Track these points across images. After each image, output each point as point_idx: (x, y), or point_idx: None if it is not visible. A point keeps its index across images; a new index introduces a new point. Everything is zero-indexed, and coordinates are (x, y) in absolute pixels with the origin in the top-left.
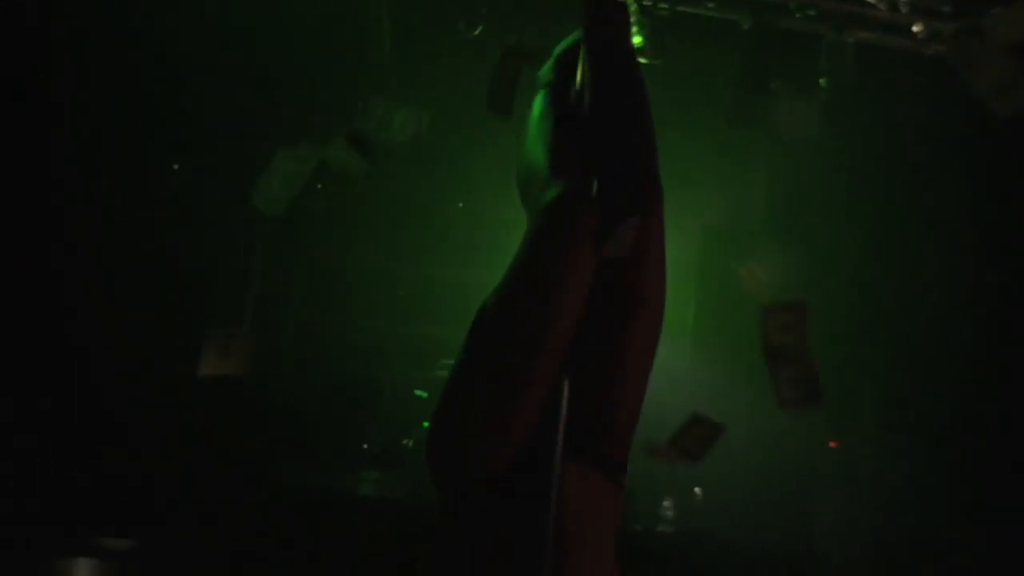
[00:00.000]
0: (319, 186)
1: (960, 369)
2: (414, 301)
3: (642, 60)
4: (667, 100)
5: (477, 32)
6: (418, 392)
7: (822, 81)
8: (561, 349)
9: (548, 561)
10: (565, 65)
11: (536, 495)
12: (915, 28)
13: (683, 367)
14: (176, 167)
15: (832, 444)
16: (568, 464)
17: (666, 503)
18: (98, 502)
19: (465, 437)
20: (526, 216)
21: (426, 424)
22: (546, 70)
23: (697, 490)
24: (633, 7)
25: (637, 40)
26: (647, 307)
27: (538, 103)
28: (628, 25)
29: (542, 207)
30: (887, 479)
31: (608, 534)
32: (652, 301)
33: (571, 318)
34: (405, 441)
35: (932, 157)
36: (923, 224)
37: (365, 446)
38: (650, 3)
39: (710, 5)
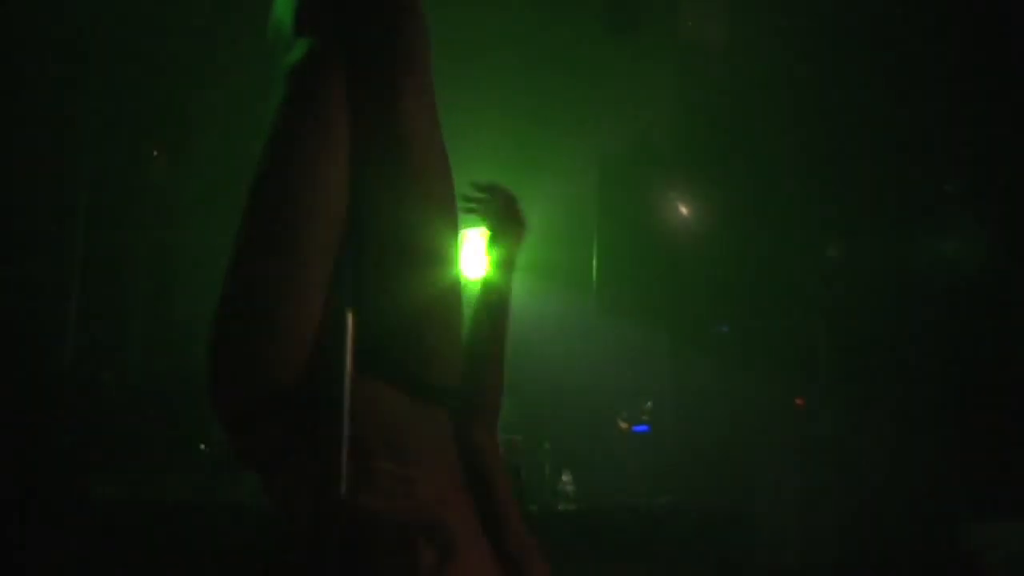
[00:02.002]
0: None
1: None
2: None
3: None
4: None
5: None
6: None
7: None
8: (328, 231)
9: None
10: None
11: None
12: None
13: (590, 320)
14: None
15: (798, 401)
16: (368, 379)
17: (565, 478)
18: None
19: (241, 345)
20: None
21: None
22: None
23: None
24: None
25: None
26: (421, 181)
27: None
28: None
29: (286, 70)
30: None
31: (440, 453)
32: (428, 171)
33: (332, 191)
34: None
35: (878, 60)
36: (868, 149)
37: (203, 447)
38: None
39: None
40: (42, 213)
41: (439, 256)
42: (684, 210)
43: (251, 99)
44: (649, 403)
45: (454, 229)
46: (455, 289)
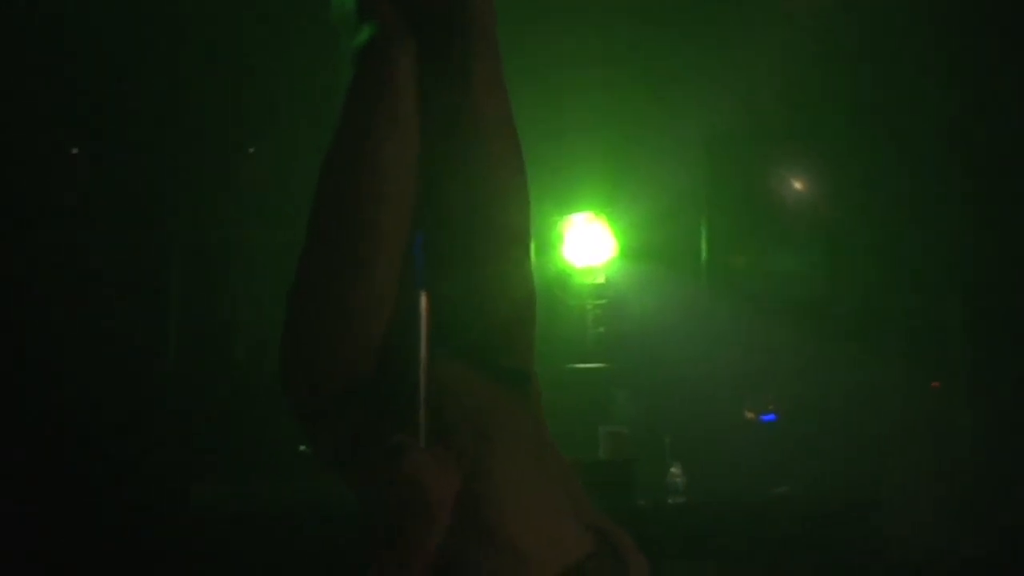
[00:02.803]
0: None
1: None
2: None
3: None
4: None
5: None
6: None
7: None
8: (399, 216)
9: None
10: None
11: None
12: None
13: (698, 303)
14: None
15: (934, 384)
16: (444, 364)
17: (674, 470)
18: None
19: (314, 334)
20: None
21: None
22: None
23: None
24: None
25: None
26: (494, 164)
27: None
28: None
29: (352, 55)
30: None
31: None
32: (505, 158)
33: (402, 176)
34: None
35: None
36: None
37: (302, 448)
38: None
39: None
40: (138, 215)
41: (513, 238)
42: (798, 186)
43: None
44: (772, 392)
45: (526, 211)
46: (530, 272)
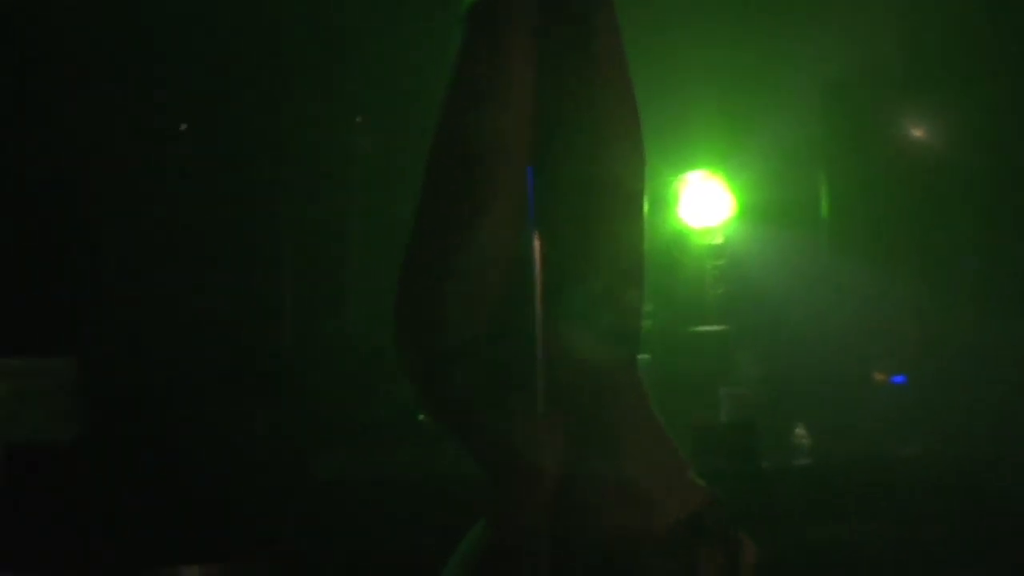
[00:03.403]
0: None
1: None
2: None
3: None
4: None
5: None
6: None
7: None
8: (513, 173)
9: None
10: None
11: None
12: None
13: (820, 261)
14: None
15: None
16: (558, 323)
17: (799, 431)
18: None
19: (429, 294)
20: None
21: None
22: None
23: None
24: None
25: None
26: (611, 122)
27: None
28: None
29: (463, 15)
30: None
31: (638, 408)
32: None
33: (516, 133)
34: None
35: None
36: None
37: (421, 417)
38: None
39: None
40: (249, 189)
41: (627, 198)
42: (921, 136)
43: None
44: (899, 352)
45: (642, 171)
46: (643, 232)
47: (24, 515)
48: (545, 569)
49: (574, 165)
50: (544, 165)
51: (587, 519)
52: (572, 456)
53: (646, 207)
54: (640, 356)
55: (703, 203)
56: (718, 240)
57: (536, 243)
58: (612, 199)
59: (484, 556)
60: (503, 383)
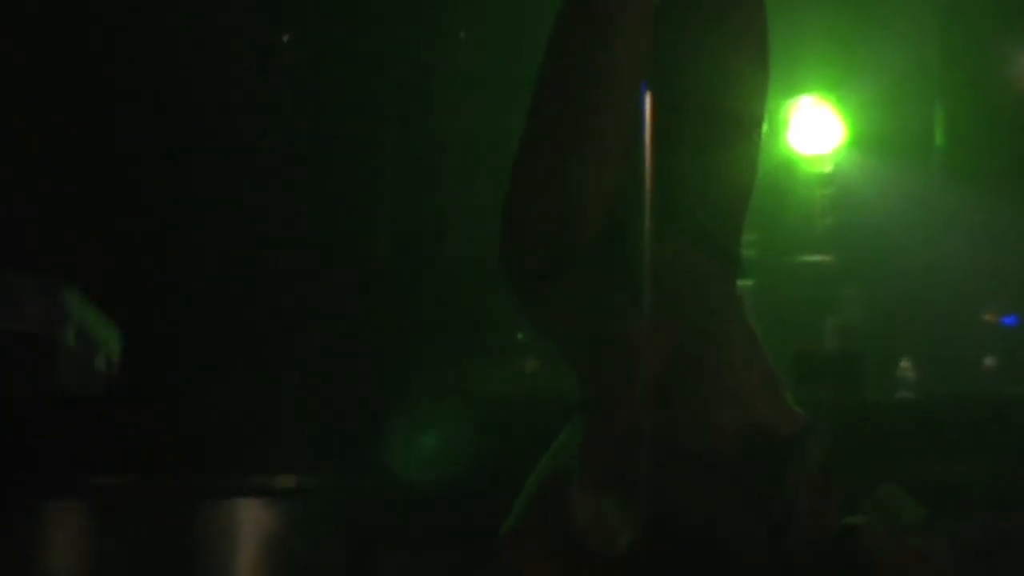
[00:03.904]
0: None
1: None
2: None
3: None
4: None
5: None
6: None
7: None
8: (627, 91)
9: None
10: None
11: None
12: None
13: (932, 193)
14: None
15: None
16: (665, 240)
17: (904, 364)
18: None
19: (539, 201)
20: None
21: None
22: None
23: None
24: None
25: None
26: (734, 41)
27: None
28: None
29: None
30: None
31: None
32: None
33: (631, 50)
34: None
35: None
36: None
37: (520, 335)
38: None
39: None
40: (349, 104)
41: (747, 124)
42: None
43: None
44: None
45: (764, 98)
46: (757, 159)
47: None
48: (644, 469)
49: (699, 90)
50: (661, 86)
51: (691, 422)
52: (679, 362)
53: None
54: (743, 283)
55: (813, 129)
56: (827, 168)
57: (647, 165)
58: (731, 124)
59: (580, 454)
60: (608, 294)
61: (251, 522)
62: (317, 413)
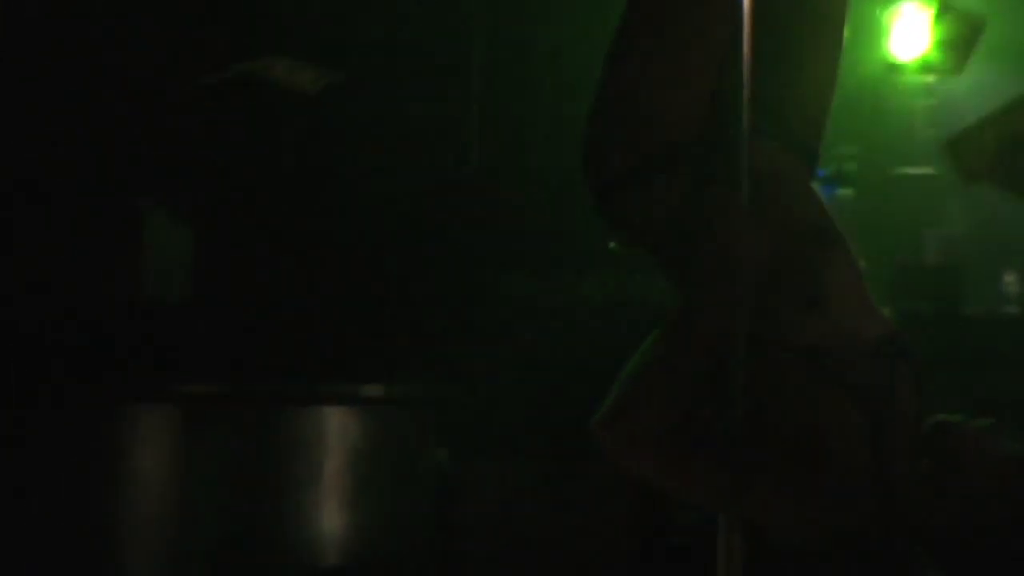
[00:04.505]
0: None
1: None
2: None
3: None
4: None
5: None
6: None
7: None
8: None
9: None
10: None
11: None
12: None
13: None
14: None
15: None
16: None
17: (1008, 278)
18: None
19: (634, 97)
20: None
21: None
22: None
23: None
24: None
25: None
26: None
27: None
28: None
29: None
30: None
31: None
32: None
33: None
34: None
35: None
36: None
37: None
38: None
39: None
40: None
41: (830, 28)
42: None
43: None
44: None
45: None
46: (839, 58)
47: (214, 327)
48: (741, 364)
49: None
50: None
51: (786, 319)
52: (774, 261)
53: (846, 36)
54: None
55: (914, 36)
56: (929, 78)
57: (746, 65)
58: (818, 26)
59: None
60: (710, 192)
61: (339, 430)
62: (404, 322)
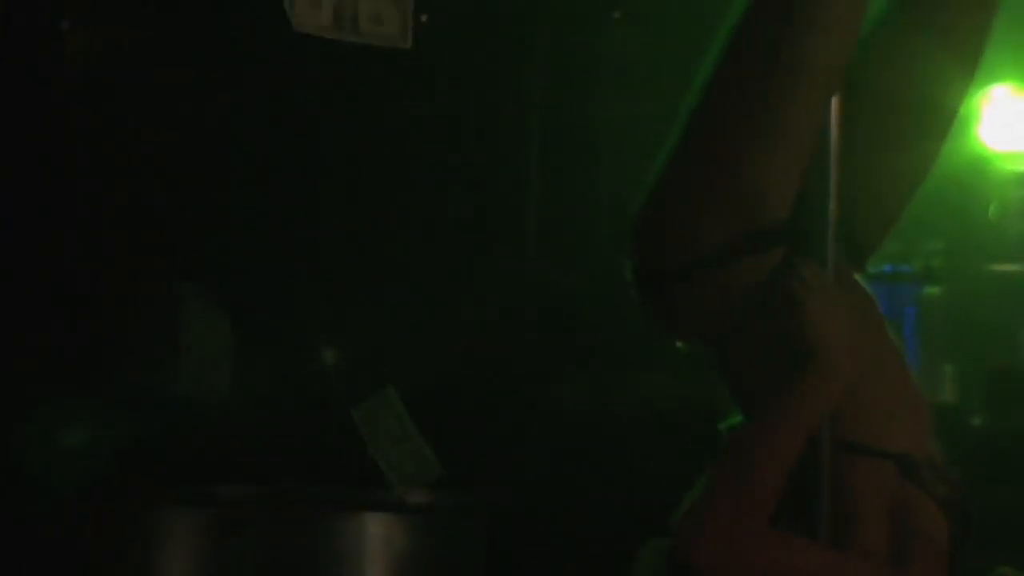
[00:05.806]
0: None
1: None
2: None
3: None
4: None
5: None
6: None
7: None
8: (814, 103)
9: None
10: None
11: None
12: None
13: None
14: None
15: None
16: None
17: None
18: None
19: (708, 193)
20: None
21: None
22: None
23: None
24: None
25: None
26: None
27: None
28: None
29: None
30: None
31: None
32: None
33: (828, 59)
34: None
35: None
36: None
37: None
38: None
39: None
40: (497, 82)
41: (943, 116)
42: None
43: None
44: None
45: (967, 87)
46: (937, 153)
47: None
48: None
49: (896, 83)
50: (867, 80)
51: (876, 422)
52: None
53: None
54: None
55: (1009, 123)
56: (1022, 167)
57: (833, 160)
58: (927, 117)
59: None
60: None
61: (382, 537)
62: (448, 425)
